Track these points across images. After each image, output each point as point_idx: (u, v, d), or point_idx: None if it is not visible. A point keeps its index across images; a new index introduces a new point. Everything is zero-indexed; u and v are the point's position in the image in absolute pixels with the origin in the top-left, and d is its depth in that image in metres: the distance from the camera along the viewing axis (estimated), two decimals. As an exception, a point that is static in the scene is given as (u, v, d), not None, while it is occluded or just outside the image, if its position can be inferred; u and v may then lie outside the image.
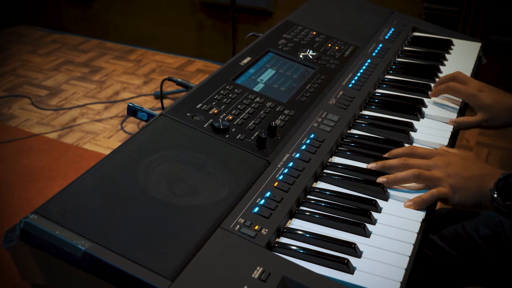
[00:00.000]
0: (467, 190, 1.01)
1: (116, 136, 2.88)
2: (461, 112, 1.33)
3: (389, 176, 1.03)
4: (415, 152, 1.08)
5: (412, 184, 1.04)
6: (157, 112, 1.09)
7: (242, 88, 1.20)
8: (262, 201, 0.92)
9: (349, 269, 0.84)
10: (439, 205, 1.07)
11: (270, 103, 1.17)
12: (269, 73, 1.29)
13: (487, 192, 1.00)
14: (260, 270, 0.79)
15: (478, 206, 1.02)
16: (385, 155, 1.10)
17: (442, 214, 1.30)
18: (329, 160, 1.11)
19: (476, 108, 1.29)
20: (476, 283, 1.26)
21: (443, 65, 1.55)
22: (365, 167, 1.08)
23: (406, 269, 0.85)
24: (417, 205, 0.99)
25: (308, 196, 1.00)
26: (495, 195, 0.98)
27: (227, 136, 1.04)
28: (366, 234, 0.92)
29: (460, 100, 1.35)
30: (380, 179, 1.03)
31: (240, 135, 1.06)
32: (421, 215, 0.97)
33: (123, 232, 0.80)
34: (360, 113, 1.29)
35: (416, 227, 0.94)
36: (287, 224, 0.94)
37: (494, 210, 0.99)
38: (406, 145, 1.16)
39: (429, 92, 1.36)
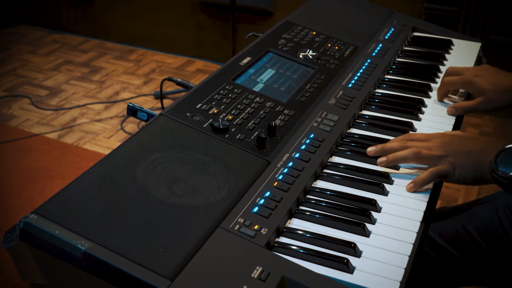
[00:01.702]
0: (467, 164, 1.01)
1: (116, 136, 2.88)
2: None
3: (388, 156, 1.05)
4: (414, 137, 1.10)
5: (412, 171, 1.05)
6: (157, 112, 1.09)
7: (242, 88, 1.20)
8: (262, 201, 0.92)
9: (349, 269, 0.84)
10: (439, 204, 1.07)
11: (270, 103, 1.18)
12: (269, 73, 1.30)
13: (487, 164, 1.00)
14: (259, 270, 0.79)
15: (479, 180, 1.02)
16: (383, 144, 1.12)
17: (442, 212, 1.30)
18: (329, 160, 1.11)
19: (474, 94, 1.29)
20: (476, 282, 1.25)
21: (443, 65, 1.55)
22: (364, 166, 1.08)
23: (405, 269, 0.85)
24: (418, 185, 1.00)
25: (308, 196, 1.00)
26: (496, 166, 0.98)
27: (226, 136, 1.04)
28: (366, 233, 0.92)
29: (460, 100, 1.35)
30: (381, 159, 1.05)
31: (239, 135, 1.06)
32: (421, 214, 0.97)
33: (122, 231, 0.80)
34: (360, 113, 1.29)
35: (416, 226, 0.94)
36: (287, 223, 0.94)
37: (494, 182, 1.00)
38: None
39: (441, 97, 1.36)
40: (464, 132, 2.95)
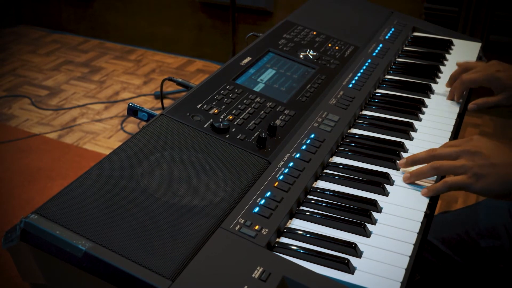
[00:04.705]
0: (494, 178, 0.95)
1: (116, 136, 2.88)
2: (462, 111, 1.33)
3: (412, 172, 1.03)
4: (438, 155, 1.03)
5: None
6: (157, 112, 1.09)
7: (242, 88, 1.20)
8: (263, 201, 0.92)
9: (350, 269, 0.84)
10: (439, 204, 1.07)
11: (271, 103, 1.18)
12: (269, 73, 1.29)
13: None
14: (260, 270, 0.79)
15: (504, 196, 0.97)
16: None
17: (445, 219, 1.29)
18: (330, 160, 1.11)
19: (495, 90, 1.26)
20: None
21: (443, 65, 1.55)
22: (365, 166, 1.08)
23: (406, 269, 0.85)
24: (431, 194, 0.99)
25: (309, 196, 1.00)
26: None
27: (227, 136, 1.04)
28: (367, 234, 0.91)
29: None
30: (405, 177, 1.03)
31: (240, 135, 1.06)
32: (421, 215, 0.97)
33: (123, 232, 0.80)
34: (361, 113, 1.29)
35: (416, 227, 0.94)
36: (288, 224, 0.94)
37: None
38: (407, 145, 1.16)
39: (453, 96, 1.33)
40: (464, 132, 2.91)
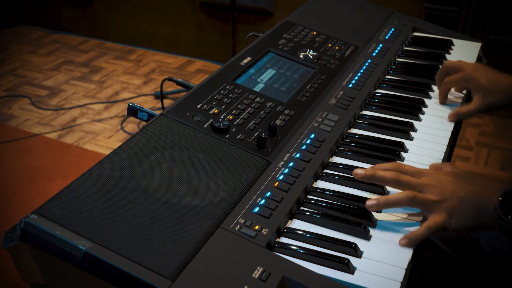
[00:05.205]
0: (465, 212, 0.92)
1: (116, 136, 2.88)
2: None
3: (379, 199, 0.94)
4: (402, 169, 0.98)
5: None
6: (157, 112, 1.09)
7: (242, 88, 1.20)
8: (263, 201, 0.92)
9: (350, 269, 0.84)
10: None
11: (271, 103, 1.18)
12: (269, 73, 1.29)
13: (490, 211, 0.91)
14: (260, 270, 0.79)
15: (478, 227, 0.93)
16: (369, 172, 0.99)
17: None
18: (330, 160, 1.11)
19: (472, 91, 1.27)
20: (479, 287, 1.25)
21: (443, 65, 1.55)
22: (365, 167, 1.08)
23: (406, 269, 0.85)
24: (414, 242, 0.90)
25: (309, 196, 1.00)
26: (502, 211, 0.90)
27: (227, 136, 1.04)
28: (367, 234, 0.91)
29: (461, 98, 1.35)
30: (370, 202, 0.94)
31: (240, 135, 1.06)
32: (421, 214, 0.97)
33: (123, 232, 0.80)
34: (361, 113, 1.29)
35: (416, 227, 0.94)
36: (288, 224, 0.94)
37: (498, 230, 0.91)
38: (407, 145, 1.16)
39: (438, 98, 1.34)
40: (464, 132, 2.90)
